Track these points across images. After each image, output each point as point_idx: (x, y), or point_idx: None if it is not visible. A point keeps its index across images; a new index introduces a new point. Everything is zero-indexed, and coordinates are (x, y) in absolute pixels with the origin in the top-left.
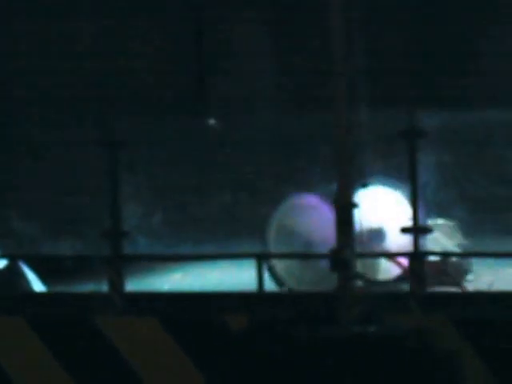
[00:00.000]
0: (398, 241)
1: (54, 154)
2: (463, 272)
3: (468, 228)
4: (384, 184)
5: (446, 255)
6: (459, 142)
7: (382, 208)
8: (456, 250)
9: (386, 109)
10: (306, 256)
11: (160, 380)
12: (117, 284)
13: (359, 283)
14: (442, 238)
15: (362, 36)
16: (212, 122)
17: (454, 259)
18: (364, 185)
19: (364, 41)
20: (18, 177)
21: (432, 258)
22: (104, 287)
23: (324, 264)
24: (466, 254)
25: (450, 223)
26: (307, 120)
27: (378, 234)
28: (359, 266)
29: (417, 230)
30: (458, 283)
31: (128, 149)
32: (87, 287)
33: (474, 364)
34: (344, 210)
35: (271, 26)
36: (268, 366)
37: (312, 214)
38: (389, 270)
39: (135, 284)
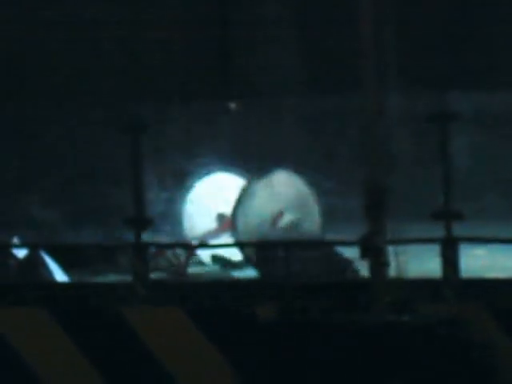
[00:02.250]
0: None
1: (77, 141)
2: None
3: (500, 212)
4: (227, 171)
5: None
6: (492, 123)
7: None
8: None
9: (417, 91)
10: (331, 243)
11: (184, 368)
12: (140, 273)
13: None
14: (277, 187)
15: (391, 16)
16: (233, 106)
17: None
18: (207, 173)
19: (393, 21)
20: (39, 164)
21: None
22: (127, 276)
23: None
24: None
25: (289, 172)
26: (334, 103)
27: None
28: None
29: (448, 215)
30: (176, 270)
31: (151, 134)
32: (110, 276)
33: (509, 353)
34: (374, 194)
35: (297, 8)
36: (298, 355)
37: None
38: None
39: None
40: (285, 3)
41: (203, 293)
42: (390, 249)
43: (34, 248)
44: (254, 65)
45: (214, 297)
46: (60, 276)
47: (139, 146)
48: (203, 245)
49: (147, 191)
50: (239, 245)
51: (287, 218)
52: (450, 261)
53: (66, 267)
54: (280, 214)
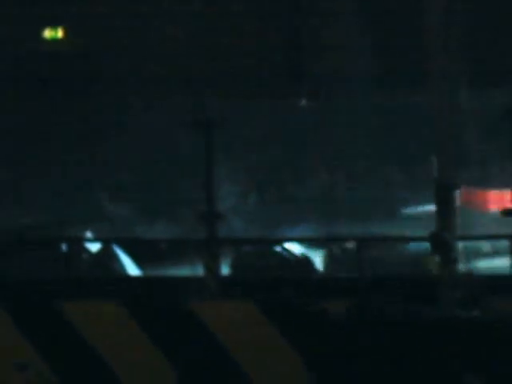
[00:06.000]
0: None
1: (149, 137)
2: None
3: None
4: None
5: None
6: None
7: None
8: None
9: (488, 88)
10: (403, 239)
11: (256, 362)
12: (212, 268)
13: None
14: None
15: (461, 13)
16: (305, 102)
17: None
18: None
19: (463, 18)
20: (112, 160)
21: None
22: (199, 270)
23: None
24: None
25: None
26: (405, 101)
27: None
28: None
29: None
30: None
31: (223, 130)
32: (182, 271)
33: None
34: (444, 190)
35: (368, 4)
36: (370, 349)
37: None
38: None
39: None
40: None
41: (273, 288)
42: (460, 244)
43: (106, 242)
44: (325, 63)
45: (285, 292)
46: (132, 270)
47: (212, 142)
48: (276, 239)
49: (219, 186)
50: (315, 240)
51: None
52: None
53: (138, 261)
54: None
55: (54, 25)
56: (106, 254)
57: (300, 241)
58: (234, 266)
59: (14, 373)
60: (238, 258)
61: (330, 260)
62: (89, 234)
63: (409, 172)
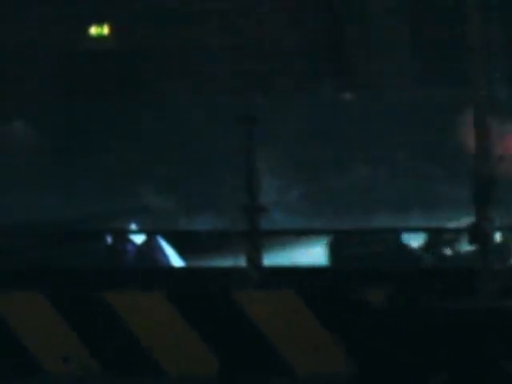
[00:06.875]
0: None
1: (192, 130)
2: None
3: None
4: None
5: None
6: None
7: None
8: None
9: None
10: (439, 230)
11: (298, 353)
12: (254, 258)
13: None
14: None
15: (500, 7)
16: (348, 96)
17: None
18: None
19: (502, 11)
20: (155, 154)
21: None
22: (241, 262)
23: None
24: None
25: None
26: (443, 96)
27: None
28: None
29: None
30: None
31: (265, 123)
32: (225, 262)
33: None
34: (482, 183)
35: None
36: (408, 339)
37: None
38: None
39: (273, 258)
40: None
41: (315, 278)
42: (498, 235)
43: (151, 234)
44: (366, 56)
45: (327, 282)
46: (176, 261)
47: (253, 135)
48: (319, 230)
49: (260, 179)
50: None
51: None
52: None
53: (181, 253)
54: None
55: (100, 22)
56: (151, 246)
57: (337, 232)
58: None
59: (57, 362)
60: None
61: None
62: (133, 226)
63: (447, 166)
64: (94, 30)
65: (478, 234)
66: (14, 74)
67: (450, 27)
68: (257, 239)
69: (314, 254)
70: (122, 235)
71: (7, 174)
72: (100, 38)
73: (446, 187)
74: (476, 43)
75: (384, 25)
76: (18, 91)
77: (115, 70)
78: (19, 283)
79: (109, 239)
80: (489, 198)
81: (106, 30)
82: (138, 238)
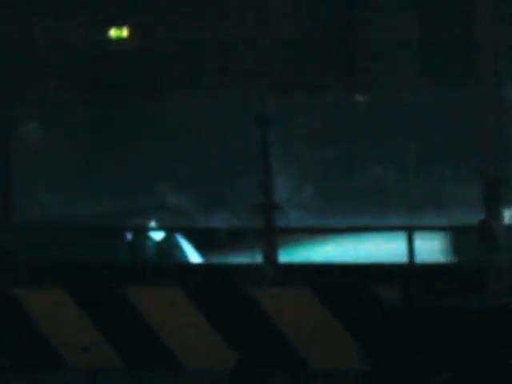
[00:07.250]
0: None
1: (208, 129)
2: None
3: None
4: None
5: None
6: None
7: None
8: None
9: None
10: (447, 228)
11: (313, 349)
12: (270, 255)
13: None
14: None
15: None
16: (359, 96)
17: None
18: None
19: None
20: (173, 152)
21: None
22: (257, 258)
23: None
24: None
25: None
26: (451, 95)
27: None
28: None
29: None
30: None
31: (279, 125)
32: (241, 258)
33: None
34: (491, 182)
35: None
36: (419, 336)
37: None
38: None
39: (288, 255)
40: None
41: (330, 275)
42: (506, 234)
43: (170, 231)
44: (379, 56)
45: (342, 278)
46: (194, 257)
47: (267, 135)
48: (333, 228)
49: (275, 178)
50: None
51: None
52: None
53: (199, 249)
54: None
55: (119, 24)
56: (170, 243)
57: (351, 230)
58: None
59: (77, 355)
60: None
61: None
62: (153, 224)
63: (458, 166)
64: (113, 33)
65: (486, 232)
66: (36, 74)
67: (461, 27)
68: (272, 236)
69: (327, 251)
70: (143, 232)
71: (31, 173)
72: (119, 40)
73: (457, 187)
74: (484, 43)
75: (396, 25)
76: (41, 91)
77: (135, 71)
78: (43, 278)
79: (129, 236)
80: (498, 198)
81: (124, 32)
82: (158, 235)
